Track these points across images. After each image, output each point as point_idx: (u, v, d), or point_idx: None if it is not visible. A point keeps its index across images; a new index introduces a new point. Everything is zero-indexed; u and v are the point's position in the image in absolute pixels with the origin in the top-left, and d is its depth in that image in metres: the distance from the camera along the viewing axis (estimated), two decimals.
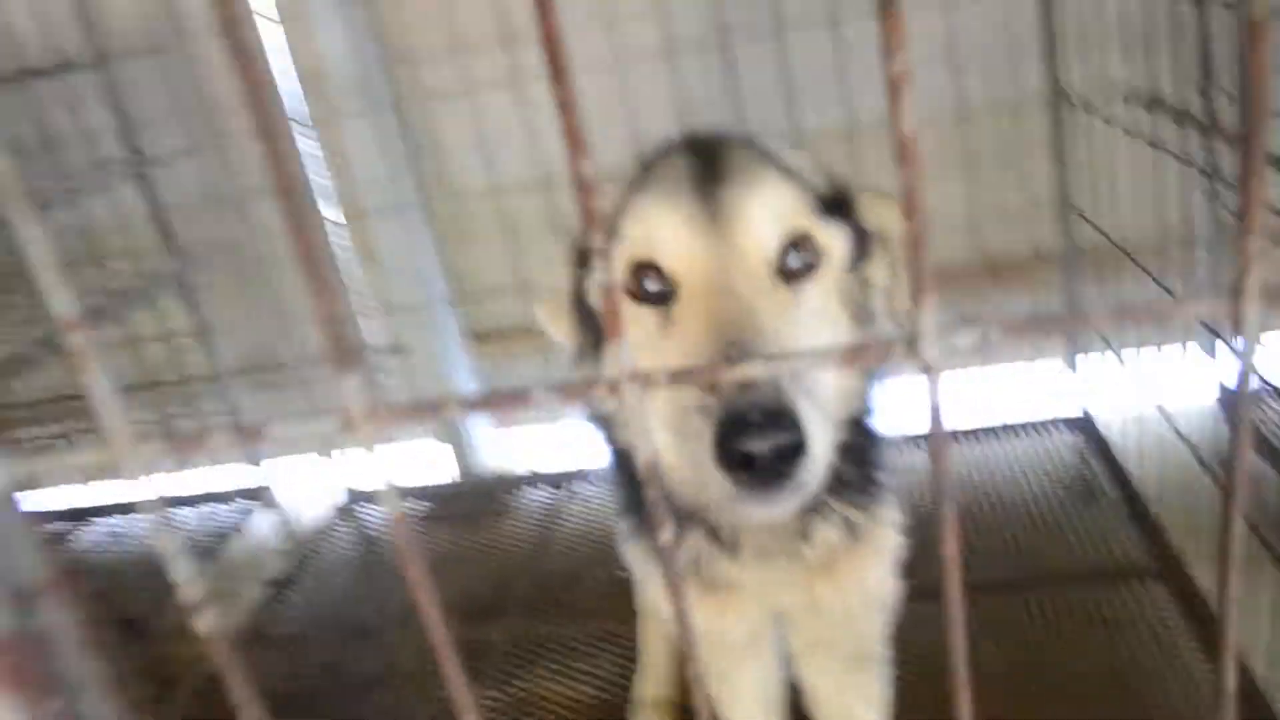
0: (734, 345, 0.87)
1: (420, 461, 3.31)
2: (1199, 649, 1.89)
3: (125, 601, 2.43)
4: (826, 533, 1.14)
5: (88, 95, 2.64)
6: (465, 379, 3.20)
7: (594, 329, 1.11)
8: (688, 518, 1.13)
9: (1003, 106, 2.66)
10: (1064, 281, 2.55)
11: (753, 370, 0.50)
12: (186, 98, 2.72)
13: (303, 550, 2.85)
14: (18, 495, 0.53)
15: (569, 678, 2.15)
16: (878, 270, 1.08)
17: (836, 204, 1.04)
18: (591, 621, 2.28)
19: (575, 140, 0.44)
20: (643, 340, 0.97)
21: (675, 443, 0.91)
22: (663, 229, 0.96)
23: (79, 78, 2.58)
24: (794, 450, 0.81)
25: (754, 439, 0.80)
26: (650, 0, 2.67)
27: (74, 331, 0.48)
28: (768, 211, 0.96)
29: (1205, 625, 1.91)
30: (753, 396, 0.80)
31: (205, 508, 3.15)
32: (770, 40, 2.64)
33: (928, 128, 2.67)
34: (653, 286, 0.98)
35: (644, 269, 0.98)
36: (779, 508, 0.89)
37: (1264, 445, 2.14)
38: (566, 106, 0.43)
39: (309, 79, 2.89)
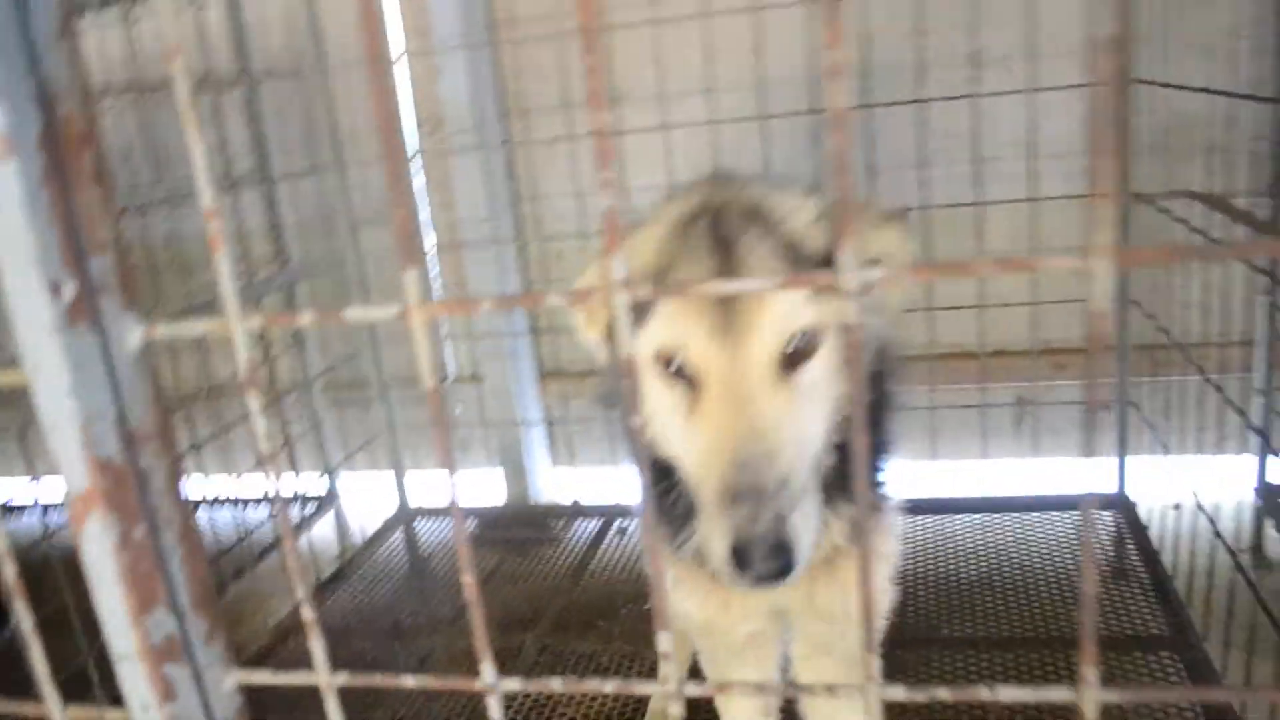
0: (745, 465, 1.03)
1: (475, 486, 3.46)
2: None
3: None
4: (830, 532, 1.24)
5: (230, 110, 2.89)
6: (533, 411, 3.35)
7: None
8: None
9: (1074, 200, 2.75)
10: (1118, 372, 2.61)
11: None
12: (315, 122, 2.94)
13: (357, 554, 2.99)
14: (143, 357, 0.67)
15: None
16: (892, 295, 1.20)
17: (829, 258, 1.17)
18: (617, 643, 2.40)
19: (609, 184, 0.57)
20: (670, 408, 1.14)
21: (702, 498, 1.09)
22: (689, 336, 1.10)
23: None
24: (786, 563, 1.00)
25: (758, 565, 1.00)
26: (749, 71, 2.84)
27: (211, 219, 0.62)
28: (773, 323, 1.09)
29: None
30: (759, 530, 0.99)
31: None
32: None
33: (1002, 213, 2.78)
34: (675, 369, 1.13)
35: (672, 356, 1.13)
36: (773, 592, 1.09)
37: None
38: (607, 185, 0.56)
39: (425, 116, 3.13)
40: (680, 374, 1.12)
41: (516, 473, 3.37)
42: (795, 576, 1.02)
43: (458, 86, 3.02)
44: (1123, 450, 2.64)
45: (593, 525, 3.05)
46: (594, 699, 2.19)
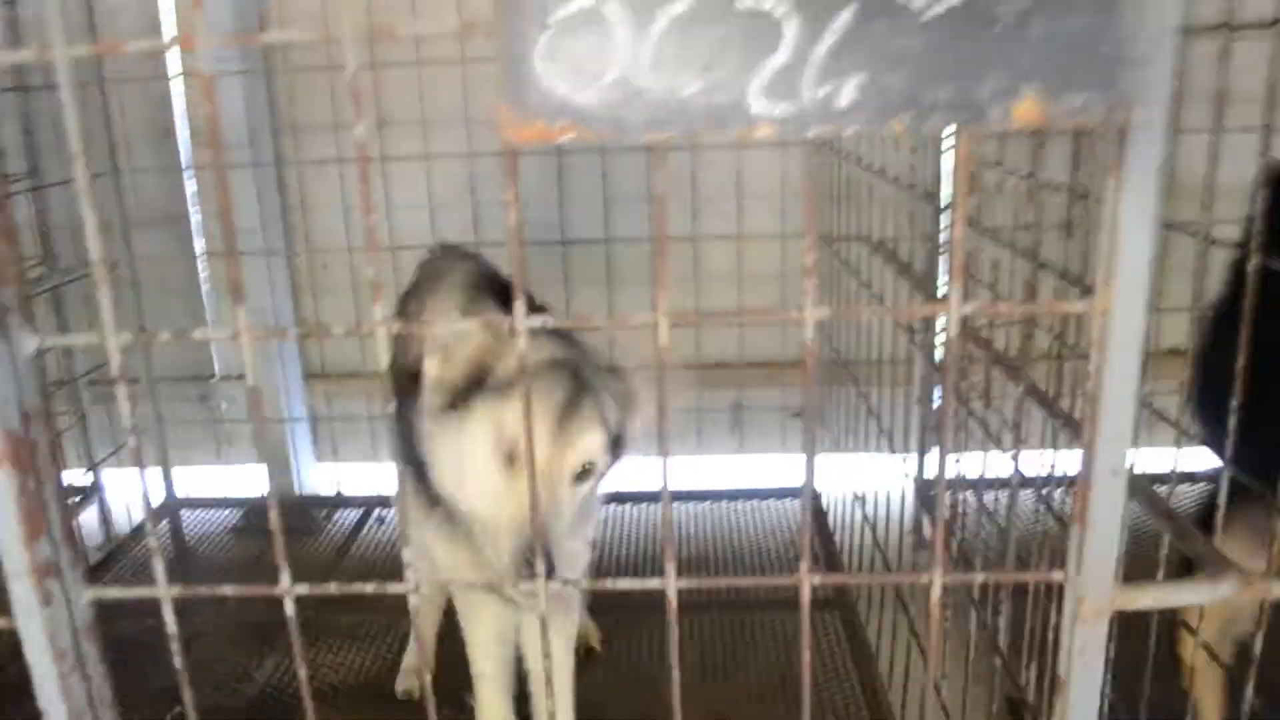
0: (533, 531, 1.42)
1: (241, 479, 3.64)
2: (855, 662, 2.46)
3: None
4: None
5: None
6: (298, 408, 3.57)
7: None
8: None
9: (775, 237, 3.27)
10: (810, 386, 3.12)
11: None
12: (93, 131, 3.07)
13: (124, 542, 3.13)
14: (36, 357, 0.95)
15: (350, 651, 2.58)
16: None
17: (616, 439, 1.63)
18: (374, 615, 2.69)
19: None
20: (492, 477, 1.54)
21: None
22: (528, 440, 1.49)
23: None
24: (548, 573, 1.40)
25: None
26: None
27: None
28: (580, 455, 1.56)
29: (861, 648, 2.46)
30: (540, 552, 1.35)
31: None
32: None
33: (718, 245, 3.26)
34: (507, 458, 1.54)
35: (512, 449, 1.54)
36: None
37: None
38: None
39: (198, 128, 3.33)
40: (509, 460, 1.54)
41: (281, 467, 3.58)
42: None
43: (234, 104, 3.21)
44: (810, 449, 3.16)
45: (354, 515, 3.32)
46: (354, 663, 2.51)
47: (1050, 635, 1.80)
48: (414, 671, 2.39)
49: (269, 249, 3.37)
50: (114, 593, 1.03)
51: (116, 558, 3.07)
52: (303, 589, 1.00)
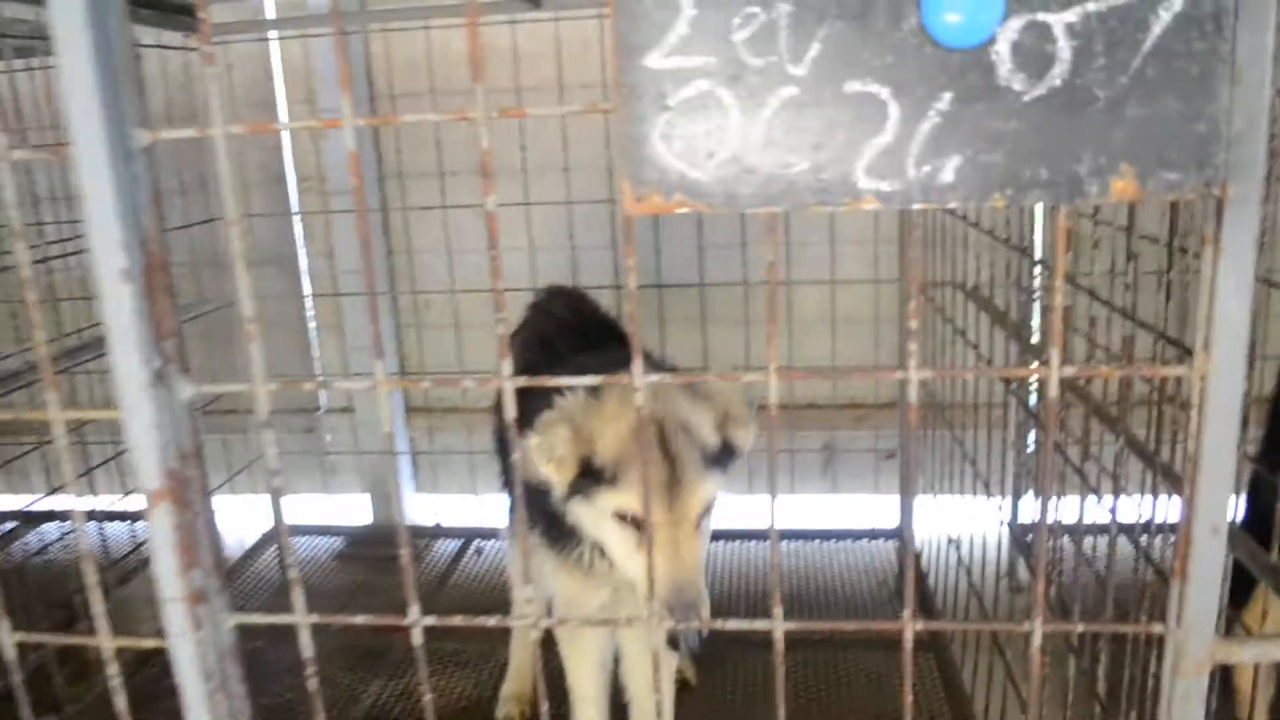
0: (681, 585, 1.57)
1: (344, 508, 3.78)
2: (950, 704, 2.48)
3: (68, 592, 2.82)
4: None
5: None
6: (400, 441, 3.70)
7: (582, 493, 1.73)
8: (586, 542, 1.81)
9: (868, 282, 3.29)
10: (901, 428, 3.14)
11: None
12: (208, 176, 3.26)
13: (236, 565, 3.28)
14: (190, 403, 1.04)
15: (453, 677, 2.66)
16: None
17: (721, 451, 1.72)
18: (475, 642, 2.78)
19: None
20: (624, 540, 1.68)
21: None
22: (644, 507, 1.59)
23: None
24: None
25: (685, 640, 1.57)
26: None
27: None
28: (698, 500, 1.65)
29: (956, 691, 2.46)
30: (689, 622, 1.54)
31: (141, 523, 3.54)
32: None
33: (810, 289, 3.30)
34: (630, 518, 1.66)
35: (628, 514, 1.67)
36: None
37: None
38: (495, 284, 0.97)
39: (305, 175, 3.49)
40: (632, 522, 1.66)
41: (383, 497, 3.70)
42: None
43: (340, 152, 3.37)
44: (905, 491, 3.17)
45: (453, 545, 3.42)
46: (457, 688, 2.58)
47: (1149, 683, 1.80)
48: (513, 699, 2.47)
49: (373, 290, 3.50)
50: (256, 618, 1.11)
51: (231, 580, 3.20)
52: (430, 620, 1.06)
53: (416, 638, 1.07)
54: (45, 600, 2.69)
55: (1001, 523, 2.72)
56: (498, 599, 3.07)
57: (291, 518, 3.53)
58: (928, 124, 0.85)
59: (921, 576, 2.99)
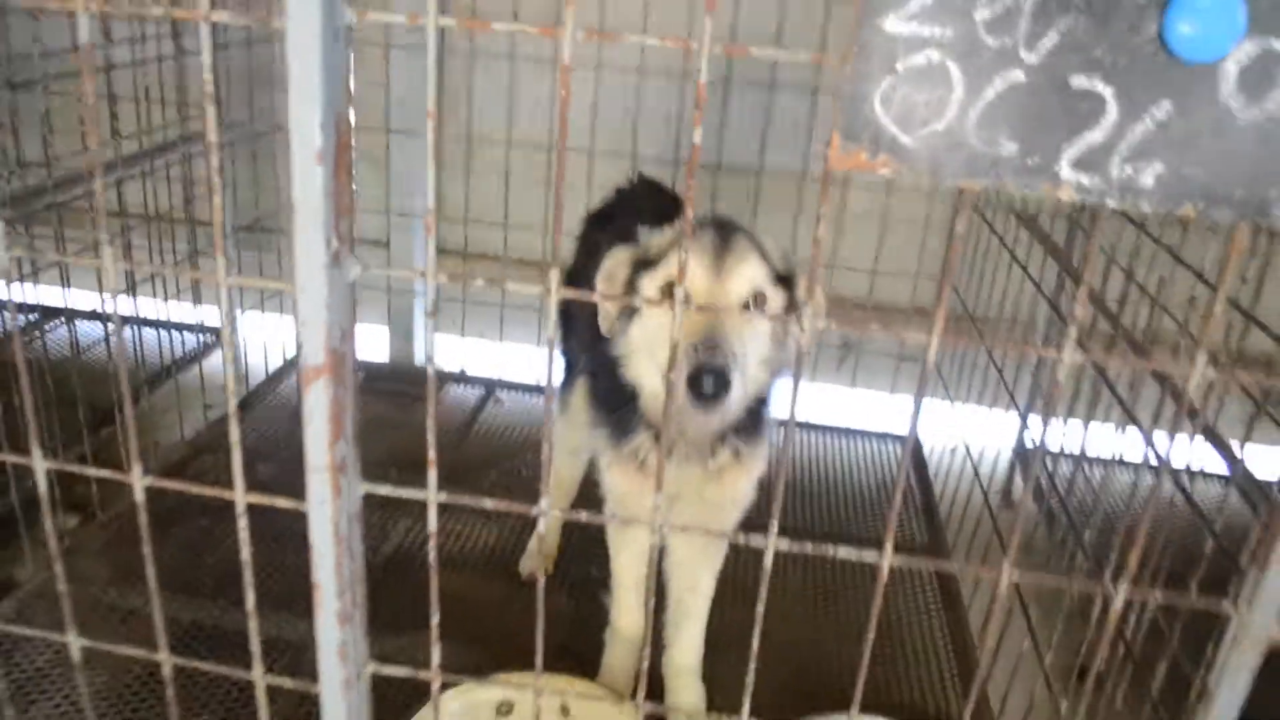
0: (710, 334, 1.55)
1: (362, 341, 3.82)
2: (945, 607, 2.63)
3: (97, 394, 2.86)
4: (722, 454, 1.83)
5: None
6: (423, 282, 3.71)
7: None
8: (642, 426, 1.82)
9: None
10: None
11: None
12: None
13: (260, 388, 3.34)
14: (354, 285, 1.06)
15: (476, 526, 2.77)
16: (804, 320, 1.71)
17: (784, 278, 1.74)
18: (497, 493, 2.85)
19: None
20: (663, 321, 1.66)
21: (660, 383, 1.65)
22: (694, 272, 1.63)
23: None
24: (724, 393, 1.51)
25: (706, 385, 1.50)
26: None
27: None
28: (744, 278, 1.66)
29: (951, 597, 2.62)
30: (713, 362, 1.50)
31: (172, 334, 3.58)
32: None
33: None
34: (670, 295, 1.63)
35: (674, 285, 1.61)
36: (711, 419, 1.64)
37: (1038, 492, 2.85)
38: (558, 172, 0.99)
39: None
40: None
41: (403, 335, 3.74)
42: (726, 408, 1.56)
43: None
44: (918, 396, 3.24)
45: (475, 392, 3.49)
46: (484, 537, 2.71)
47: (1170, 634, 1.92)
48: (538, 555, 2.55)
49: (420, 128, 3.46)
50: (384, 490, 1.17)
51: (254, 402, 3.28)
52: (445, 497, 1.13)
53: (433, 503, 1.13)
54: (88, 400, 2.73)
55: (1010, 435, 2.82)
56: (518, 448, 3.16)
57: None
58: (1141, 128, 0.87)
59: (927, 483, 3.11)
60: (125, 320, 3.15)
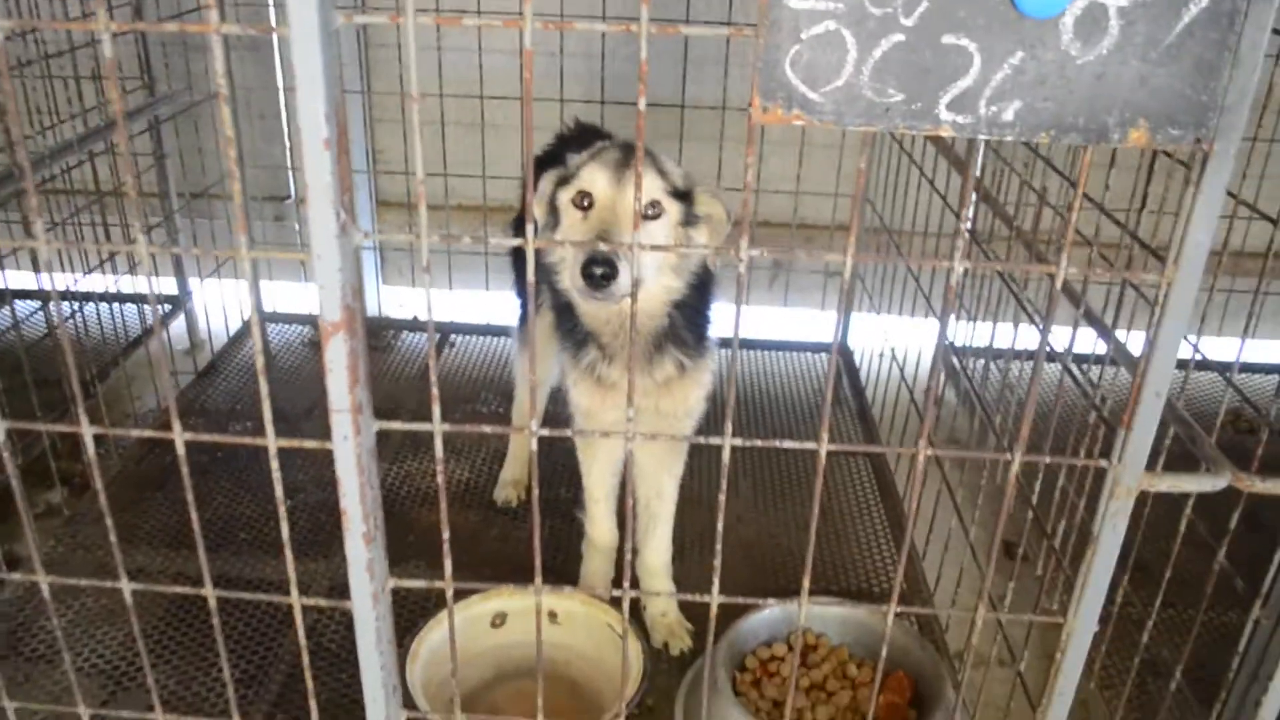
0: (606, 231, 1.80)
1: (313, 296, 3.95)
2: (882, 496, 2.88)
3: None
4: (667, 367, 2.05)
5: None
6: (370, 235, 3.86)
7: (554, 216, 1.97)
8: (591, 340, 2.01)
9: None
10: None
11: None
12: None
13: (223, 351, 3.48)
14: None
15: (450, 463, 2.95)
16: (700, 234, 1.93)
17: (682, 194, 1.95)
18: (464, 434, 3.06)
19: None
20: (574, 224, 1.91)
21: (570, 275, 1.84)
22: (597, 180, 1.84)
23: None
24: (610, 277, 1.71)
25: (592, 268, 1.71)
26: None
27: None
28: (640, 191, 1.80)
29: (887, 486, 2.88)
30: (599, 254, 1.72)
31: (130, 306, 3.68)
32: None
33: None
34: (584, 202, 1.89)
35: (584, 194, 1.89)
36: (604, 302, 1.83)
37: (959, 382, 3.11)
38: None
39: None
40: (586, 206, 1.90)
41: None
42: (614, 292, 1.74)
43: None
44: (846, 309, 3.50)
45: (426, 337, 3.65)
46: (454, 474, 2.91)
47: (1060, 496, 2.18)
48: (510, 484, 2.78)
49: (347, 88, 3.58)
50: (396, 426, 1.36)
51: (221, 365, 3.42)
52: (448, 427, 1.32)
53: (439, 434, 1.33)
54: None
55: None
56: (475, 390, 3.35)
57: (268, 306, 3.71)
58: (1000, 74, 1.08)
59: (859, 388, 3.36)
60: (89, 297, 3.26)
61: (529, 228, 1.23)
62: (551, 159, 2.38)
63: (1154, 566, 2.00)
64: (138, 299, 3.60)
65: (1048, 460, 1.39)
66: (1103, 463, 1.32)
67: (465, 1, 3.42)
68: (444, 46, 3.56)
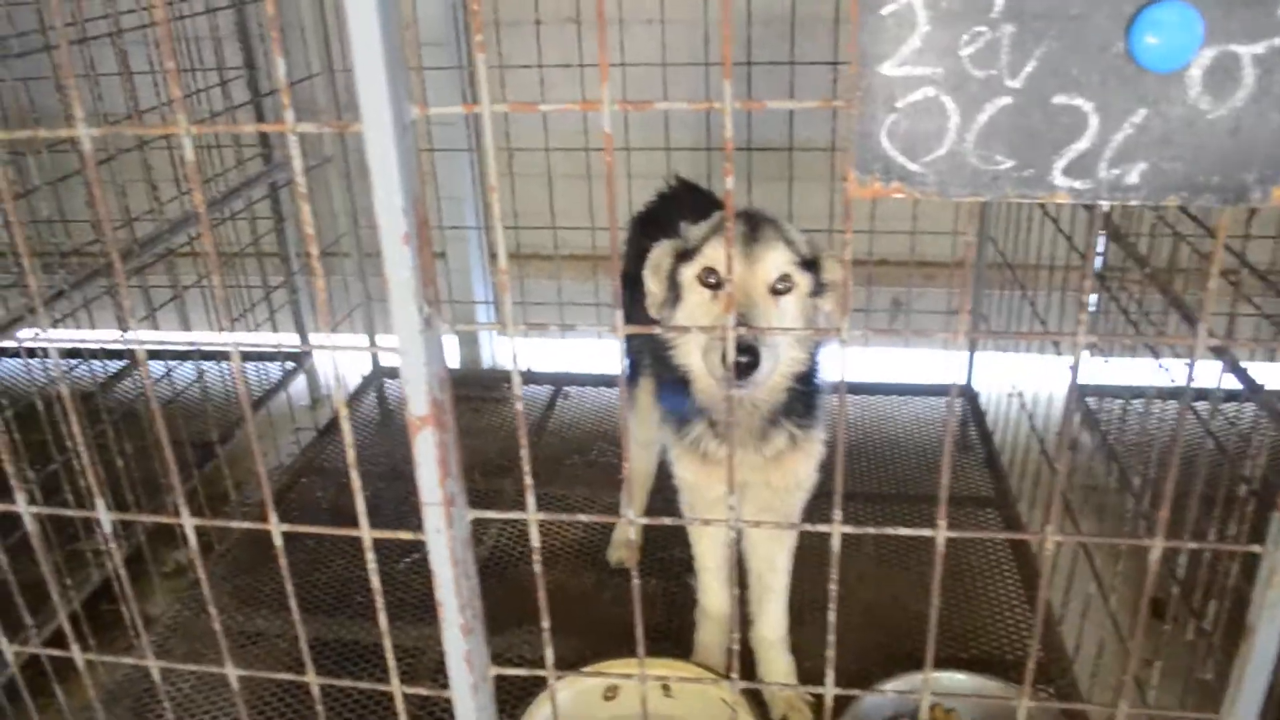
0: (742, 317, 1.69)
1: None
2: (1015, 557, 2.73)
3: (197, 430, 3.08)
4: (778, 441, 1.97)
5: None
6: (483, 288, 3.89)
7: (674, 291, 1.90)
8: (701, 415, 1.95)
9: None
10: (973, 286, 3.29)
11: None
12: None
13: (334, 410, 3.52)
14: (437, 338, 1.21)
15: (563, 521, 2.89)
16: (826, 302, 1.85)
17: (809, 262, 1.86)
18: (578, 487, 3.03)
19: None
20: (700, 304, 1.84)
21: (703, 362, 1.69)
22: (726, 258, 1.70)
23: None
24: (754, 366, 1.64)
25: (739, 357, 1.64)
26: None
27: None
28: (772, 263, 1.80)
29: (1021, 544, 2.71)
30: (741, 338, 1.64)
31: (254, 364, 3.79)
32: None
33: None
34: (711, 280, 1.82)
35: (710, 271, 1.82)
36: (745, 390, 1.76)
37: (1094, 425, 2.94)
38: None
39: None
40: (714, 284, 1.83)
41: (469, 341, 3.91)
42: (757, 380, 1.70)
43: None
44: (971, 349, 3.35)
45: (544, 391, 3.65)
46: (566, 530, 2.86)
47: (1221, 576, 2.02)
48: (624, 544, 2.71)
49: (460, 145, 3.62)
50: (491, 514, 1.32)
51: (337, 424, 3.46)
52: (544, 515, 1.26)
53: (531, 504, 1.27)
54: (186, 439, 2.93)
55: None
56: (589, 440, 3.32)
57: (385, 360, 3.75)
58: (1121, 134, 0.98)
59: (987, 433, 3.20)
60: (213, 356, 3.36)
61: (617, 314, 1.18)
62: (654, 218, 2.33)
63: None
64: (260, 355, 3.71)
65: (1191, 546, 1.27)
66: (1256, 549, 1.19)
67: (562, 53, 3.43)
68: (547, 99, 3.57)
